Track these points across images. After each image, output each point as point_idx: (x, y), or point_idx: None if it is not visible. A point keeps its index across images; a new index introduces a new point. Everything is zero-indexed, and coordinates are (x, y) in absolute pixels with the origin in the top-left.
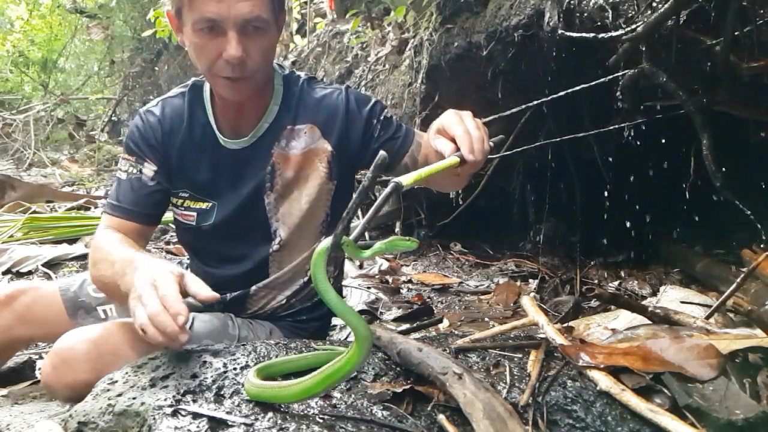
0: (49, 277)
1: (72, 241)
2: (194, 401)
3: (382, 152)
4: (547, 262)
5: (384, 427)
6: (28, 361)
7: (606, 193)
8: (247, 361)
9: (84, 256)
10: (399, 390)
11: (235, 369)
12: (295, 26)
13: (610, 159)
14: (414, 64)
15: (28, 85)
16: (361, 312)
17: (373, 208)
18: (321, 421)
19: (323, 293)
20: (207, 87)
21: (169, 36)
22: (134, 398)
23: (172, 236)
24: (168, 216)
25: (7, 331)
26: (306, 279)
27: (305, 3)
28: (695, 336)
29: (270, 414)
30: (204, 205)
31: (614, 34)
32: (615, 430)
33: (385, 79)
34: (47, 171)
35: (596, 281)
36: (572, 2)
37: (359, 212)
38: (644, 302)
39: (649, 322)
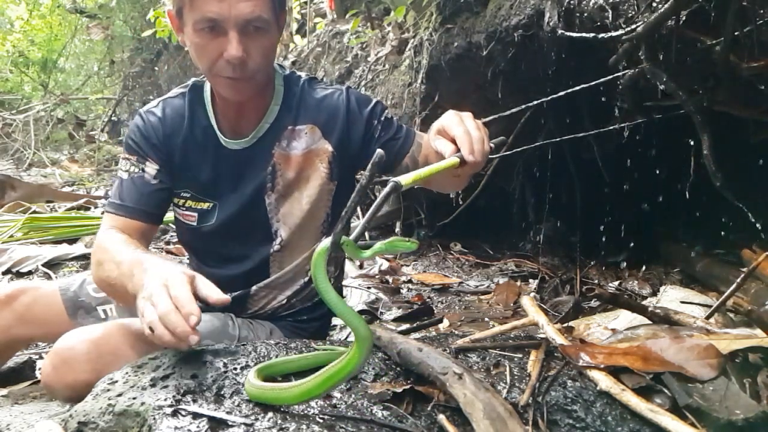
0: (49, 277)
1: (72, 241)
2: (194, 401)
3: (379, 151)
4: (547, 262)
5: (384, 427)
6: (28, 361)
7: (606, 194)
8: (247, 361)
9: (84, 256)
10: (399, 390)
11: (235, 369)
12: (295, 26)
13: (610, 159)
14: (414, 64)
15: (28, 85)
16: (361, 312)
17: (372, 207)
18: (321, 421)
19: (323, 293)
20: (207, 87)
21: (169, 36)
22: (134, 398)
23: (172, 236)
24: (168, 216)
25: (6, 331)
26: (306, 279)
27: (305, 3)
28: (695, 336)
29: (270, 414)
30: (205, 206)
31: (614, 34)
32: (615, 430)
33: (385, 79)
34: (47, 171)
35: (596, 281)
36: (572, 2)
37: (359, 212)
38: (644, 302)
39: (649, 322)
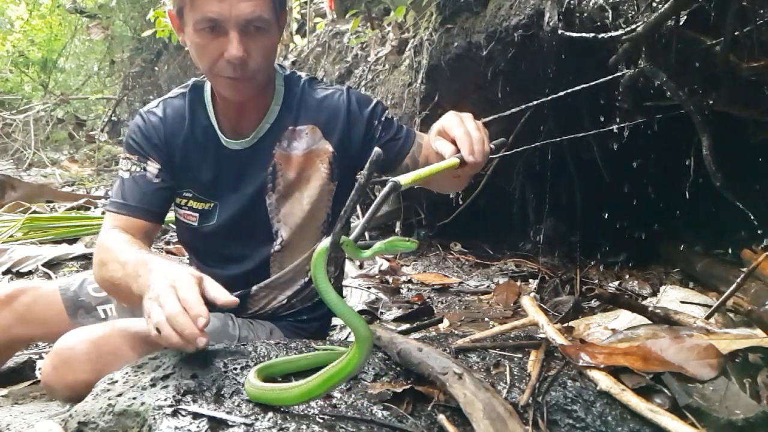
0: (49, 277)
1: (72, 241)
2: (194, 401)
3: (377, 149)
4: (547, 262)
5: (384, 427)
6: (28, 361)
7: (606, 193)
8: (247, 361)
9: (84, 256)
10: (399, 390)
11: (235, 369)
12: (295, 26)
13: (610, 159)
14: (414, 64)
15: (28, 85)
16: (361, 312)
17: (372, 207)
18: (321, 421)
19: (323, 293)
20: (208, 87)
21: (169, 36)
22: (134, 398)
23: (172, 236)
24: (168, 216)
25: (6, 331)
26: (307, 279)
27: (305, 3)
28: (695, 336)
29: (270, 414)
30: (206, 206)
31: (614, 34)
32: (615, 430)
33: (385, 79)
34: (47, 171)
35: (596, 281)
36: (572, 2)
37: (359, 212)
38: (644, 302)
39: (649, 322)
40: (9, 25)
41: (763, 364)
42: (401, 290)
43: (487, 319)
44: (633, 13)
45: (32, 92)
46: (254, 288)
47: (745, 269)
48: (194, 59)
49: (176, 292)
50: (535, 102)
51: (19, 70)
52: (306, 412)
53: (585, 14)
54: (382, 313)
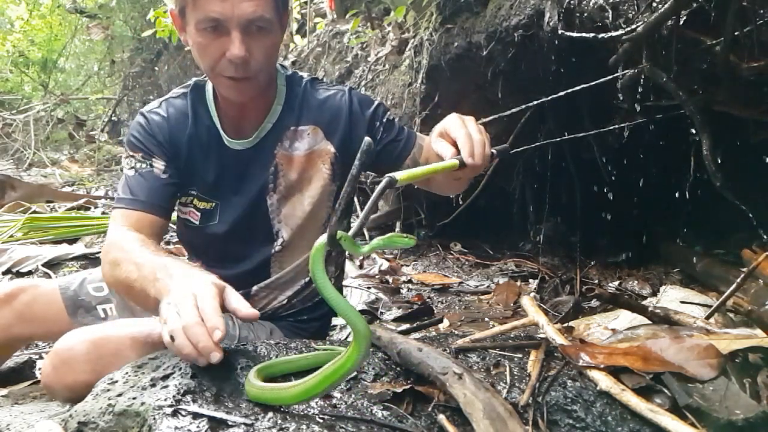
0: (48, 277)
1: (72, 241)
2: (194, 401)
3: (367, 138)
4: (547, 262)
5: (384, 427)
6: (28, 361)
7: (606, 193)
8: (247, 361)
9: (84, 256)
10: (399, 390)
11: (235, 369)
12: (295, 26)
13: (610, 159)
14: (414, 64)
15: (28, 85)
16: (361, 312)
17: (369, 202)
18: (321, 421)
19: (322, 289)
20: (209, 87)
21: (169, 36)
22: (134, 398)
23: (171, 236)
24: None
25: (6, 330)
26: (307, 279)
27: (305, 3)
28: (695, 336)
29: (270, 414)
30: (208, 205)
31: (614, 34)
32: (615, 430)
33: (385, 79)
34: (47, 171)
35: (596, 281)
36: (572, 2)
37: (358, 210)
38: (644, 302)
39: (649, 322)
40: (9, 25)
41: (763, 364)
42: (401, 290)
43: (487, 319)
44: (633, 13)
45: (32, 92)
46: (255, 288)
47: (745, 269)
48: (196, 59)
49: (195, 300)
50: (535, 102)
51: (19, 70)
52: (306, 412)
53: (585, 14)
54: (382, 313)
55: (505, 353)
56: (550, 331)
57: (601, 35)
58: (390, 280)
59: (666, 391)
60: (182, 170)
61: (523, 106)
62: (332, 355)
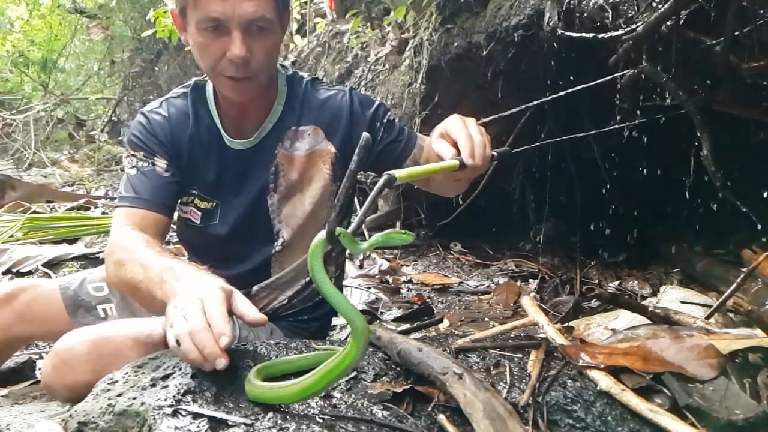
0: (48, 277)
1: (72, 241)
2: (194, 401)
3: (365, 134)
4: (547, 262)
5: (384, 427)
6: (28, 361)
7: (606, 193)
8: (247, 361)
9: (84, 256)
10: (399, 390)
11: (235, 369)
12: (295, 26)
13: (610, 159)
14: (414, 64)
15: (28, 85)
16: (362, 312)
17: (368, 199)
18: (321, 421)
19: (320, 285)
20: (210, 87)
21: (169, 36)
22: (134, 398)
23: (171, 236)
24: None
25: (6, 329)
26: (307, 279)
27: (305, 3)
28: (695, 336)
29: (270, 414)
30: (209, 205)
31: (614, 34)
32: (615, 430)
33: (385, 79)
34: (47, 171)
35: (596, 281)
36: (572, 2)
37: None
38: (644, 302)
39: (649, 322)
40: (9, 25)
41: (763, 364)
42: (401, 290)
43: (487, 319)
44: (633, 13)
45: (32, 92)
46: (255, 288)
47: (745, 269)
48: (196, 59)
49: (202, 305)
50: (535, 102)
51: (19, 70)
52: (306, 412)
53: (585, 14)
54: (382, 313)
55: (505, 353)
56: (550, 331)
57: (601, 35)
58: (390, 280)
59: (666, 391)
60: (184, 170)
61: (523, 106)
62: (332, 355)
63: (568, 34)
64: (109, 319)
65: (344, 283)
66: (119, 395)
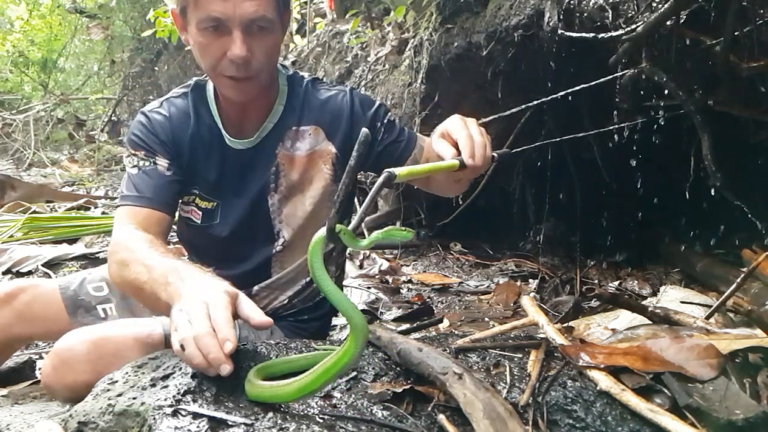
0: (48, 277)
1: (72, 241)
2: (194, 401)
3: (364, 129)
4: (547, 262)
5: (384, 427)
6: (28, 361)
7: (606, 193)
8: (247, 361)
9: (84, 256)
10: (399, 390)
11: (235, 369)
12: (295, 26)
13: (610, 159)
14: (414, 64)
15: (28, 85)
16: (362, 312)
17: (369, 196)
18: (321, 421)
19: (320, 282)
20: (210, 86)
21: (169, 36)
22: (134, 398)
23: (171, 236)
24: None
25: (6, 329)
26: (308, 279)
27: (305, 3)
28: (695, 336)
29: (270, 414)
30: (210, 205)
31: (614, 34)
32: (615, 430)
33: (385, 79)
34: (47, 171)
35: (596, 281)
36: (572, 2)
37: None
38: (644, 302)
39: (649, 322)
40: (9, 25)
41: (763, 364)
42: (401, 290)
43: (487, 319)
44: (633, 13)
45: (32, 92)
46: (255, 288)
47: (745, 269)
48: (197, 58)
49: (207, 309)
50: (535, 102)
51: (19, 70)
52: (306, 412)
53: (585, 14)
54: (382, 313)
55: (505, 353)
56: (550, 331)
57: (601, 35)
58: (390, 280)
59: (666, 391)
60: (185, 169)
61: (523, 106)
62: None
63: (568, 34)
64: (109, 319)
65: (344, 283)
66: (119, 395)
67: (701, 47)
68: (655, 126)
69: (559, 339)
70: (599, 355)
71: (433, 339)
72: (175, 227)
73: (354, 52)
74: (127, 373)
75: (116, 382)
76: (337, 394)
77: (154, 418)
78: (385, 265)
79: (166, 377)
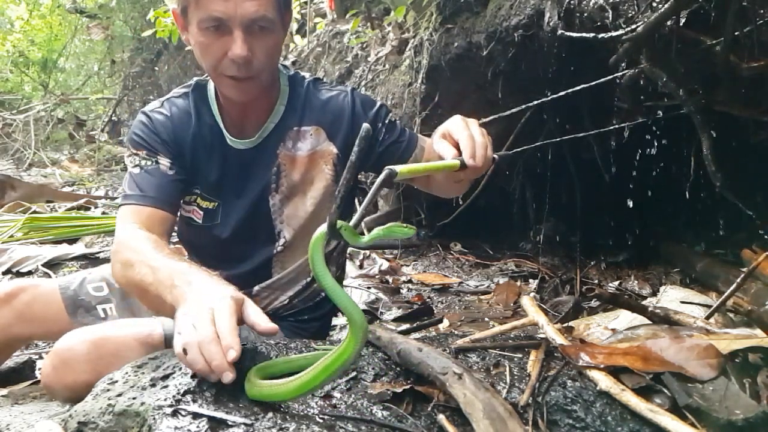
0: (48, 277)
1: (72, 241)
2: (194, 401)
3: (365, 125)
4: (547, 262)
5: (384, 427)
6: (28, 361)
7: (606, 193)
8: (247, 362)
9: (84, 256)
10: (399, 390)
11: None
12: (295, 26)
13: (610, 159)
14: (414, 64)
15: (28, 85)
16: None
17: (370, 193)
18: (321, 421)
19: (320, 278)
20: (211, 86)
21: (169, 36)
22: (134, 398)
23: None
24: None
25: (6, 329)
26: (308, 279)
27: (305, 3)
28: (695, 336)
29: (270, 414)
30: (211, 205)
31: (614, 34)
32: (615, 430)
33: (385, 79)
34: (47, 171)
35: (596, 281)
36: (572, 2)
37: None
38: (644, 302)
39: (649, 322)
40: (9, 25)
41: (763, 364)
42: (401, 290)
43: (487, 319)
44: (633, 13)
45: (32, 92)
46: (256, 288)
47: (745, 269)
48: (198, 58)
49: (213, 315)
50: (535, 102)
51: (19, 70)
52: (306, 412)
53: (585, 14)
54: (382, 313)
55: (505, 353)
56: (550, 331)
57: (601, 35)
58: (390, 280)
59: (666, 391)
60: (187, 169)
61: (523, 106)
62: None
63: (568, 34)
64: (109, 319)
65: (344, 283)
66: (119, 395)
67: (701, 47)
68: (655, 126)
69: (559, 339)
70: (599, 355)
71: (433, 339)
72: (174, 227)
73: (354, 52)
74: (127, 373)
75: (116, 382)
76: (337, 394)
77: (154, 418)
78: (385, 265)
79: (166, 377)
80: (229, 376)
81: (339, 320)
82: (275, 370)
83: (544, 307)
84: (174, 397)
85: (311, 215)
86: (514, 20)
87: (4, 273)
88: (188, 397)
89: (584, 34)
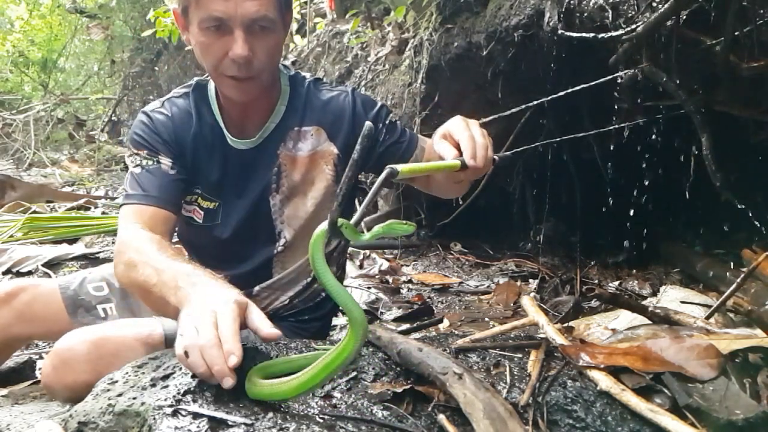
0: (48, 277)
1: (72, 241)
2: (194, 401)
3: (368, 123)
4: (547, 262)
5: (384, 427)
6: (28, 361)
7: (606, 193)
8: (247, 362)
9: (84, 256)
10: (399, 390)
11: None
12: (295, 26)
13: (610, 159)
14: (414, 64)
15: (28, 85)
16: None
17: (371, 192)
18: (321, 421)
19: (321, 275)
20: (212, 86)
21: (169, 36)
22: (134, 398)
23: None
24: None
25: (6, 329)
26: (309, 279)
27: (305, 3)
28: (695, 336)
29: (270, 414)
30: (211, 205)
31: (614, 34)
32: (615, 430)
33: (385, 79)
34: (47, 171)
35: (596, 281)
36: (572, 2)
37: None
38: (644, 302)
39: (649, 322)
40: (9, 25)
41: (763, 364)
42: (401, 290)
43: (487, 319)
44: (633, 13)
45: (32, 92)
46: (256, 288)
47: (745, 269)
48: (198, 58)
49: (215, 319)
50: (535, 102)
51: (19, 70)
52: (306, 412)
53: (585, 14)
54: (382, 313)
55: (505, 353)
56: (550, 331)
57: (601, 35)
58: (390, 280)
59: (666, 391)
60: (188, 169)
61: (523, 106)
62: None
63: (568, 34)
64: (109, 319)
65: (344, 283)
66: (119, 395)
67: (701, 47)
68: (655, 126)
69: (559, 339)
70: (599, 355)
71: (433, 339)
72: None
73: (354, 52)
74: (127, 373)
75: (116, 382)
76: (337, 394)
77: (154, 418)
78: (385, 265)
79: (166, 377)
80: (229, 382)
81: (339, 320)
82: (275, 370)
83: (544, 307)
84: (174, 397)
85: (312, 215)
86: (514, 20)
87: (4, 273)
88: (188, 397)
89: (584, 34)
